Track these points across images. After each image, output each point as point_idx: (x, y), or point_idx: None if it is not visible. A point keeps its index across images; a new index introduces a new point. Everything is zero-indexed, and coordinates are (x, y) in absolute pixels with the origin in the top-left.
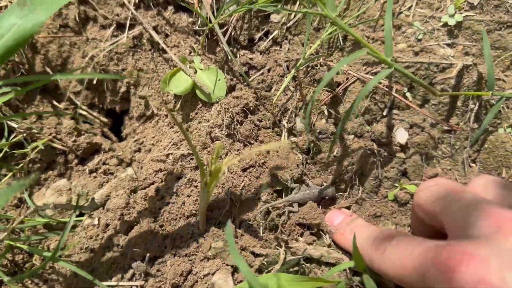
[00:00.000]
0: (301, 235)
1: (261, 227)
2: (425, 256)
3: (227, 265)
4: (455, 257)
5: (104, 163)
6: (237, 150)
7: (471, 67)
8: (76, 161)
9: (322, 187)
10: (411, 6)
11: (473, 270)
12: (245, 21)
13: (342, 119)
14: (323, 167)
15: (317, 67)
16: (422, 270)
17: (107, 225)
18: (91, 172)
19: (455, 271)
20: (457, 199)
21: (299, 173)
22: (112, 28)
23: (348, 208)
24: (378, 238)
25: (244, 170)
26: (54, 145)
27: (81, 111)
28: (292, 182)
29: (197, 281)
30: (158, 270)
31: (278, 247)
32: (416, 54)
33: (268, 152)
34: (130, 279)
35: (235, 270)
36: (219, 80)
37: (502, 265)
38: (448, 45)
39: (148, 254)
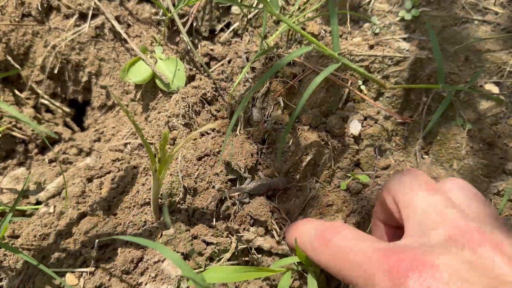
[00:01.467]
0: (253, 225)
1: (214, 216)
2: (373, 257)
3: (177, 252)
4: (405, 264)
5: (64, 153)
6: (194, 140)
7: (425, 61)
8: (36, 150)
9: (275, 179)
10: (370, 0)
11: (422, 280)
12: (206, 12)
13: (293, 111)
14: (277, 157)
15: (274, 59)
16: (367, 270)
17: (62, 213)
18: (50, 161)
19: (404, 281)
20: (420, 194)
21: (253, 162)
22: (74, 17)
23: None
24: (323, 230)
25: (199, 159)
26: (14, 133)
27: (43, 101)
28: (245, 171)
29: (147, 268)
30: (109, 258)
31: (230, 236)
32: (371, 47)
33: (223, 141)
34: (80, 266)
35: (185, 257)
36: (179, 70)
37: (452, 278)
38: (404, 39)
39: (97, 241)
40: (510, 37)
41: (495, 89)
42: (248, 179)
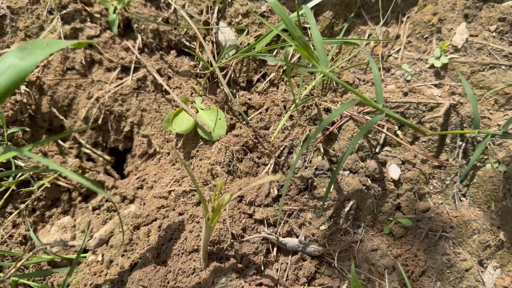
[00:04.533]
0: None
1: (261, 263)
2: None
3: None
4: None
5: (107, 201)
6: (239, 188)
7: (457, 106)
8: (79, 198)
9: (311, 247)
10: (399, 49)
11: None
12: (244, 64)
13: (341, 158)
14: (321, 207)
15: (311, 107)
16: None
17: (111, 261)
18: (94, 209)
19: None
20: None
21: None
22: (117, 71)
23: None
24: None
25: (248, 204)
26: (59, 183)
27: (85, 150)
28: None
29: None
30: None
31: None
32: (405, 94)
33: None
34: None
35: None
36: (220, 119)
37: None
38: (435, 85)
39: None
40: None
41: None
42: (288, 238)
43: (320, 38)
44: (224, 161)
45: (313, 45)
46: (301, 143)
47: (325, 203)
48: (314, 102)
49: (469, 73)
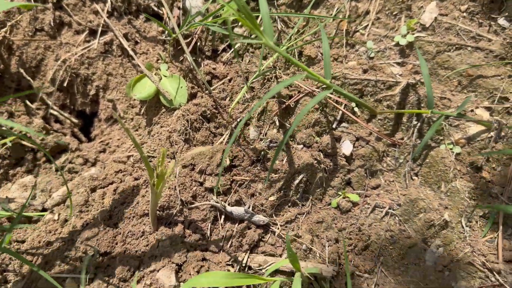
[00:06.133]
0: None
1: (208, 229)
2: None
3: (172, 263)
4: None
5: (70, 162)
6: (192, 157)
7: (417, 86)
8: (44, 159)
9: (256, 215)
10: (367, 25)
11: None
12: (209, 33)
13: (286, 131)
14: (271, 174)
15: (271, 80)
16: None
17: (66, 220)
18: (57, 170)
19: None
20: None
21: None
22: (84, 34)
23: None
24: None
25: (200, 172)
26: (24, 142)
27: (53, 112)
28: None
29: (143, 277)
30: (108, 265)
31: (223, 250)
32: (365, 71)
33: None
34: (80, 272)
35: (180, 268)
36: (181, 87)
37: None
38: (398, 63)
39: (98, 249)
40: (502, 63)
41: (485, 114)
42: (235, 207)
43: (267, 9)
44: (181, 129)
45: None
46: (258, 115)
47: (276, 175)
48: (274, 75)
49: (435, 53)
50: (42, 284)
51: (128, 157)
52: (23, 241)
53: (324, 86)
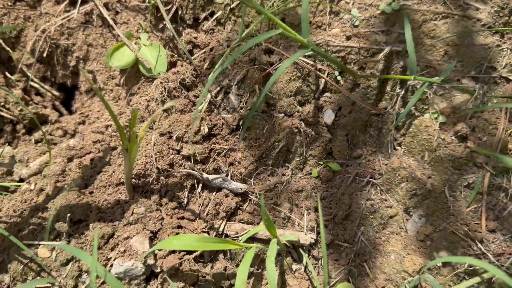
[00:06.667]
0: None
1: (185, 198)
2: None
3: (147, 230)
4: None
5: (50, 134)
6: (169, 124)
7: (401, 53)
8: (23, 130)
9: (233, 183)
10: None
11: None
12: (191, 0)
13: (269, 98)
14: (251, 143)
15: (253, 47)
16: None
17: (42, 190)
18: (36, 142)
19: None
20: None
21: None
22: (64, 3)
23: None
24: None
25: (177, 140)
26: (2, 114)
27: (33, 84)
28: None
29: (117, 244)
30: (82, 233)
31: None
32: (348, 38)
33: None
34: (53, 240)
35: (154, 235)
36: (161, 55)
37: None
38: (383, 31)
39: (69, 215)
40: (489, 32)
41: (472, 84)
42: (213, 175)
43: None
44: (159, 97)
45: None
46: (238, 83)
47: (256, 143)
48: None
49: (421, 22)
50: (14, 251)
51: (107, 127)
52: None
53: (320, 58)
